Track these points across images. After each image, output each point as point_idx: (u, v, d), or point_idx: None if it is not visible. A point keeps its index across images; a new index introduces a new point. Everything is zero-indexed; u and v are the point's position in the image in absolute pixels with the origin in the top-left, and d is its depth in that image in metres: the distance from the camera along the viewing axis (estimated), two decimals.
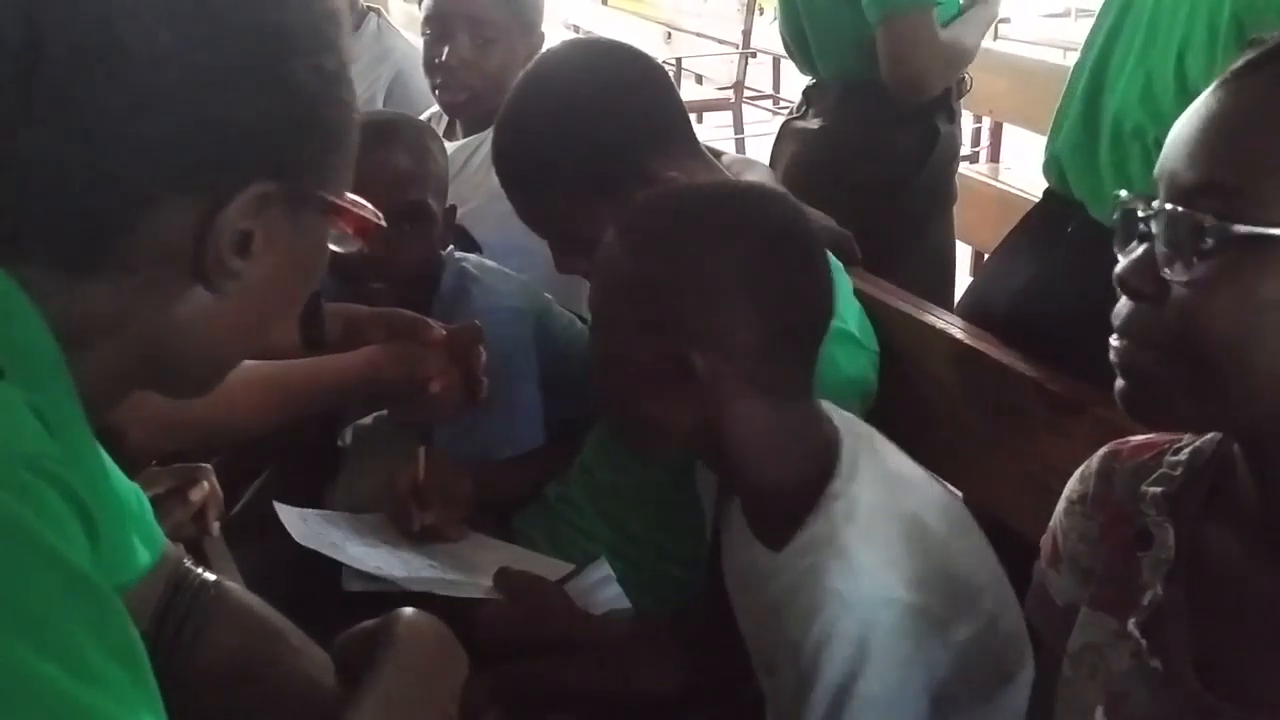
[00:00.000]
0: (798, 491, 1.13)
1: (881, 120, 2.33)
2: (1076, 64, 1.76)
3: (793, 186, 1.94)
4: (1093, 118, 1.63)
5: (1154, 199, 0.77)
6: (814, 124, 2.40)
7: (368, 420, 1.82)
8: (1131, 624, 0.85)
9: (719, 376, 1.11)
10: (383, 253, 1.55)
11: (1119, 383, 0.80)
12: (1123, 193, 0.80)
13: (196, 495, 1.36)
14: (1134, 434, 0.93)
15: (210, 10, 0.71)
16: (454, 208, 1.79)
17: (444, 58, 2.10)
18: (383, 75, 2.48)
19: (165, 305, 0.75)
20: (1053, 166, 1.72)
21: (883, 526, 1.09)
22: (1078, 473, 0.97)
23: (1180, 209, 0.74)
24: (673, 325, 1.11)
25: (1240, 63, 0.76)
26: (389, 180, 1.64)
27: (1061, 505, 0.97)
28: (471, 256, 1.82)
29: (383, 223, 0.84)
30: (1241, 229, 0.72)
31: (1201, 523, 0.85)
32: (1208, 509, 0.85)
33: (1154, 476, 0.88)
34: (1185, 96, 1.44)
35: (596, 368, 1.20)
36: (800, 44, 2.41)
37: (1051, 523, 0.98)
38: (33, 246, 0.70)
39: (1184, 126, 0.77)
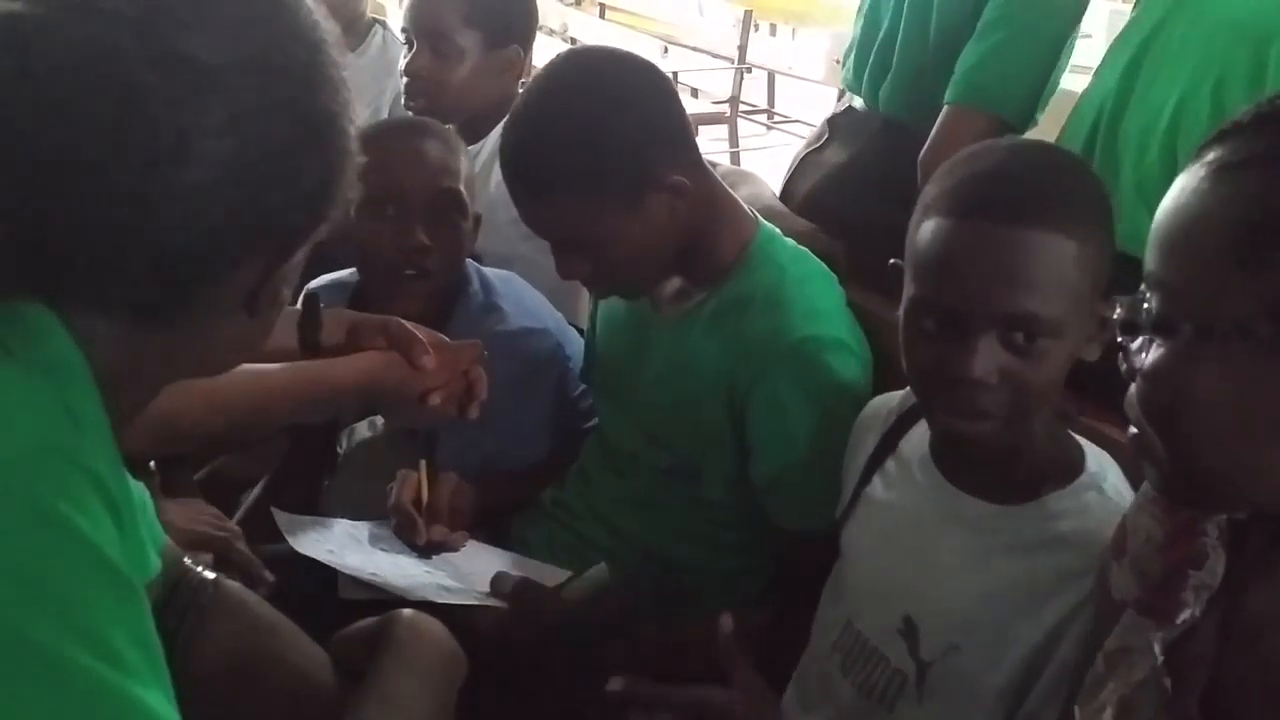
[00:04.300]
0: (1053, 457, 1.19)
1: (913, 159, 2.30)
2: (1085, 96, 1.78)
3: (815, 218, 1.93)
4: (1112, 142, 1.65)
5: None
6: (841, 156, 2.32)
7: (365, 427, 1.83)
8: (1158, 638, 0.85)
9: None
10: (425, 241, 1.66)
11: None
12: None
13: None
14: (1118, 440, 0.93)
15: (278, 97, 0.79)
16: (479, 215, 1.81)
17: (404, 66, 2.16)
18: (388, 88, 2.50)
19: (208, 333, 0.83)
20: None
21: None
22: None
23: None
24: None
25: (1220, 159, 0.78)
26: (428, 169, 1.70)
27: (1137, 500, 0.96)
28: (490, 270, 1.84)
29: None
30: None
31: (1257, 562, 0.84)
32: (1271, 551, 0.84)
33: None
34: (1220, 120, 1.48)
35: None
36: (871, 67, 2.28)
37: (1124, 515, 0.97)
38: (111, 299, 0.76)
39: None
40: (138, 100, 0.72)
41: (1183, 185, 0.79)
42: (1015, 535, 1.16)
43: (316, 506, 1.72)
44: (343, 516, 1.60)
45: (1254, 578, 0.84)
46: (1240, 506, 0.83)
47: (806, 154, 2.31)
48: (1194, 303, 0.76)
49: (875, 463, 1.32)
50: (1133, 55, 1.68)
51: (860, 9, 2.20)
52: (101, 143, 0.71)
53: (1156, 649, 0.84)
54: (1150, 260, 0.80)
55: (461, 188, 1.73)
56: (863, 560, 1.30)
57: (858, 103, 2.21)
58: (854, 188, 2.17)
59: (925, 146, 1.95)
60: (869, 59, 2.15)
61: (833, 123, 2.29)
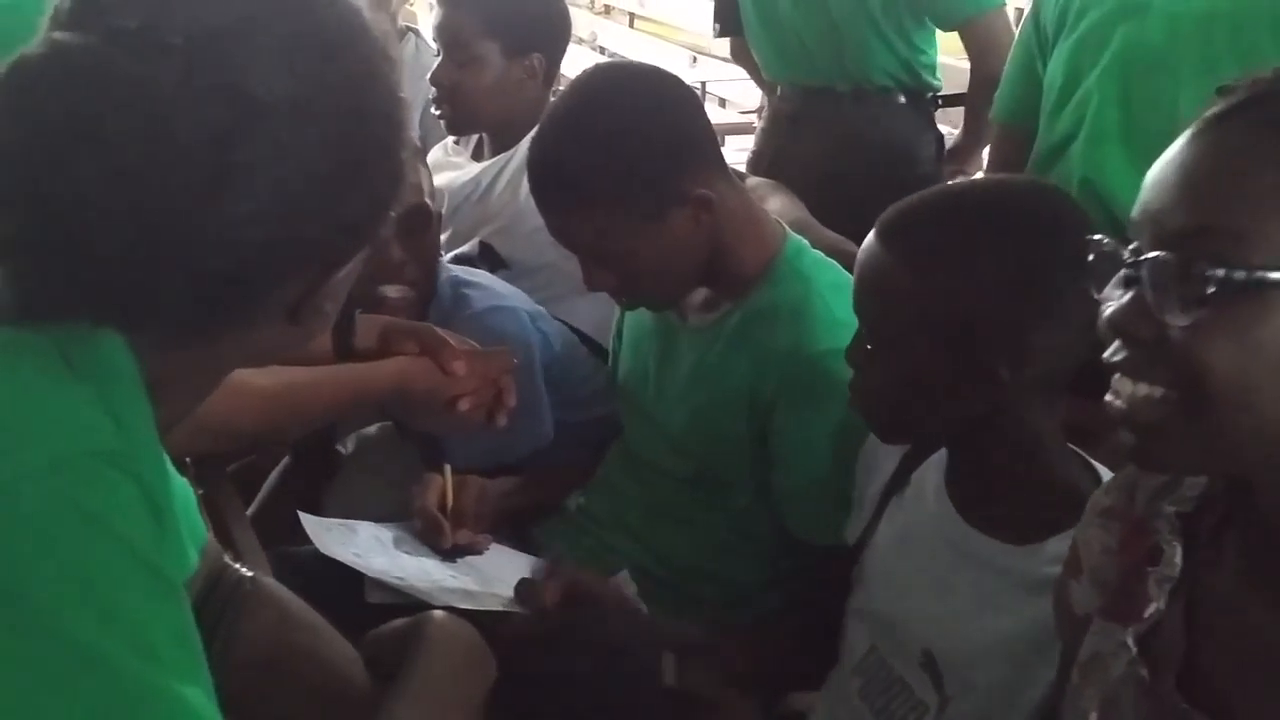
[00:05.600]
0: (1066, 494, 1.12)
1: (904, 124, 2.39)
2: (1055, 111, 1.84)
3: (820, 203, 1.96)
4: (1128, 147, 1.68)
5: (1133, 243, 0.78)
6: (827, 137, 2.43)
7: (371, 428, 1.85)
8: (1129, 634, 0.87)
9: (1022, 381, 1.13)
10: (398, 257, 1.66)
11: (1127, 436, 0.80)
12: (1099, 237, 0.81)
13: None
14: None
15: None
16: (440, 214, 1.83)
17: (429, 76, 2.19)
18: (420, 94, 2.53)
19: (249, 342, 0.84)
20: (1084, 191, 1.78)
21: None
22: (1104, 486, 0.98)
23: (1173, 255, 0.74)
24: (977, 340, 1.13)
25: (1220, 108, 0.77)
26: None
27: (1085, 516, 0.98)
28: (459, 267, 1.87)
29: None
30: (1241, 275, 0.72)
31: (1210, 547, 0.87)
32: (1218, 535, 0.87)
33: (1174, 496, 0.90)
34: None
35: (881, 370, 1.19)
36: (814, 48, 2.44)
37: (1075, 533, 0.99)
38: (145, 322, 0.77)
39: (1166, 170, 0.77)
40: (177, 136, 0.71)
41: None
42: (1024, 575, 1.14)
43: (317, 505, 1.73)
44: (345, 516, 1.61)
45: (1210, 561, 0.86)
46: (1234, 465, 0.80)
47: (771, 149, 2.42)
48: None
49: (893, 488, 1.32)
50: (1110, 62, 1.73)
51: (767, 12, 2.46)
52: (139, 178, 0.71)
53: (1130, 642, 0.86)
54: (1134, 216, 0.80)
55: (428, 201, 1.73)
56: (881, 588, 1.30)
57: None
58: (857, 161, 2.38)
59: (995, 60, 2.22)
60: (812, 48, 2.42)
61: (792, 118, 2.40)
